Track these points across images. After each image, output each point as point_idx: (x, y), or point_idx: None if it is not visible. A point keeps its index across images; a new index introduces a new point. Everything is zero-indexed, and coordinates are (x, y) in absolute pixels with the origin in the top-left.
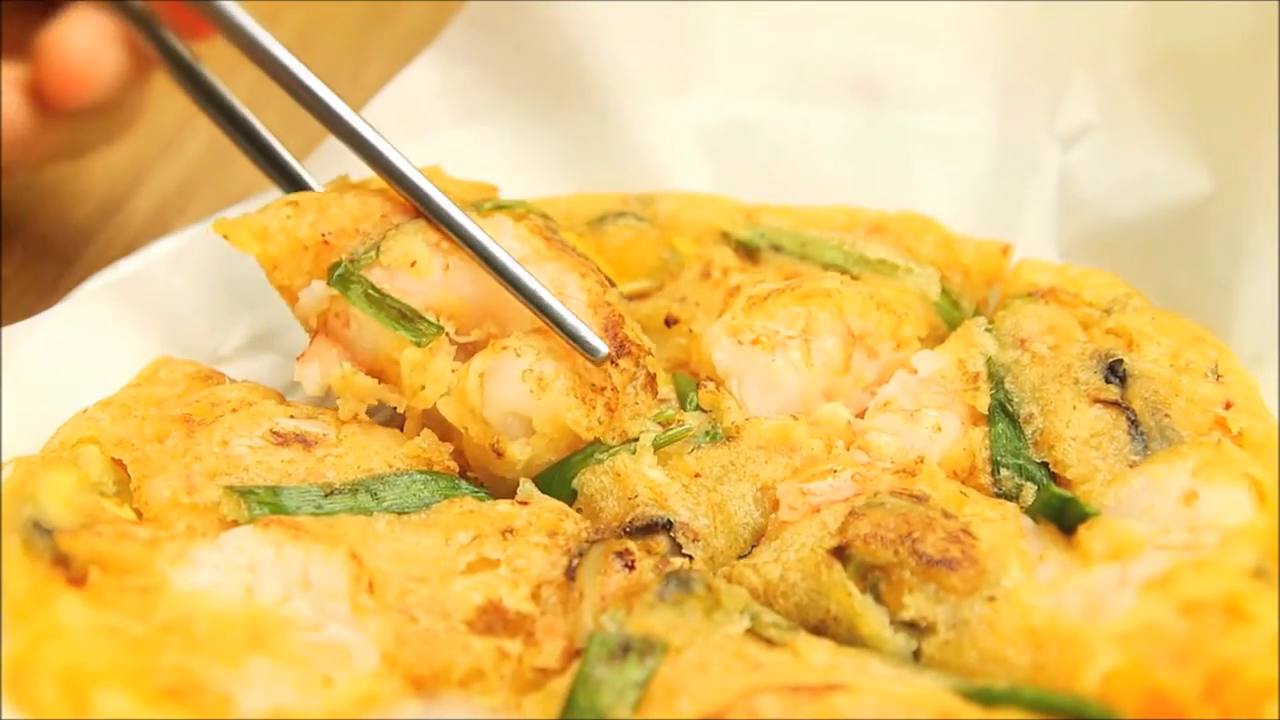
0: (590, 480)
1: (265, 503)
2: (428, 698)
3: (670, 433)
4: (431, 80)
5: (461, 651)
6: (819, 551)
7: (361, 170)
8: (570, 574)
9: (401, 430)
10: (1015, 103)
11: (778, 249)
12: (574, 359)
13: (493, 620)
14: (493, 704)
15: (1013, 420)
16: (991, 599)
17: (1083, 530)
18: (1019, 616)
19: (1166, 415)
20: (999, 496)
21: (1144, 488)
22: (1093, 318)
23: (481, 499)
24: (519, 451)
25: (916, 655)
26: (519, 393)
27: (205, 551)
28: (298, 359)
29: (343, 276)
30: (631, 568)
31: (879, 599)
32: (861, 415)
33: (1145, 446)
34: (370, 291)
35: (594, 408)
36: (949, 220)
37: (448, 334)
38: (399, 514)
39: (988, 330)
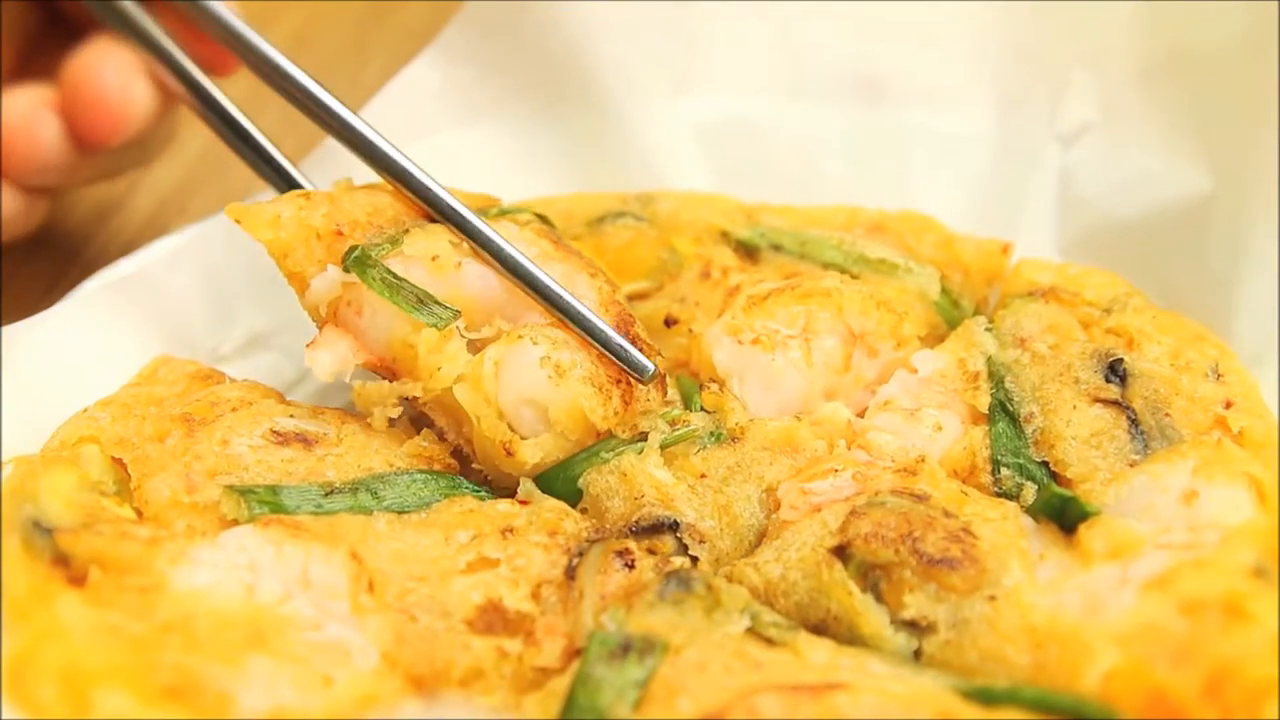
0: (596, 480)
1: (265, 502)
2: (428, 697)
3: (677, 433)
4: (431, 80)
5: (461, 651)
6: (820, 551)
7: (362, 173)
8: (570, 573)
9: (404, 430)
10: (1015, 102)
11: (777, 248)
12: (590, 348)
13: (493, 619)
14: (493, 703)
15: (1013, 419)
16: (992, 598)
17: (1083, 529)
18: (1019, 616)
19: (1167, 414)
20: (999, 496)
21: (1144, 487)
22: (1093, 317)
23: (482, 498)
24: (530, 454)
25: (917, 655)
26: (536, 379)
27: (205, 550)
28: (307, 346)
29: (360, 259)
30: (631, 567)
31: (879, 598)
32: (862, 414)
33: (1145, 446)
34: (388, 276)
35: (610, 398)
36: (949, 219)
37: (458, 328)
38: (399, 513)
39: (988, 329)
